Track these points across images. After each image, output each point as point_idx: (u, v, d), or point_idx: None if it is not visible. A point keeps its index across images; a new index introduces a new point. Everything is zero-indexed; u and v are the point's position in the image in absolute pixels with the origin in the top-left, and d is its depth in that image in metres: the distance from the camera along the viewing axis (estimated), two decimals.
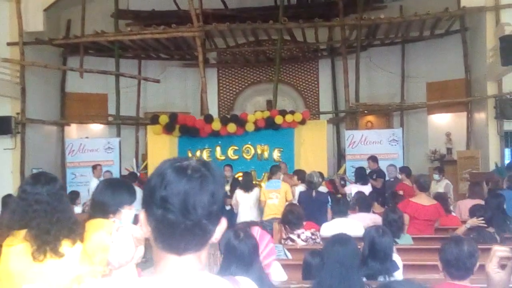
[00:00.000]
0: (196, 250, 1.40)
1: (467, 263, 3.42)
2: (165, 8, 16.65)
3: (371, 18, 15.11)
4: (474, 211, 6.27)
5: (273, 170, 10.72)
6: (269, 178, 10.79)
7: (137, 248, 2.50)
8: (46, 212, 2.95)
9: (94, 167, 12.72)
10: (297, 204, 7.98)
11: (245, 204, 10.13)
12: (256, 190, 10.47)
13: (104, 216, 3.23)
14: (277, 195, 9.83)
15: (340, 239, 3.68)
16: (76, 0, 15.50)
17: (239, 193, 10.20)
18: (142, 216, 1.42)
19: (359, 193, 8.51)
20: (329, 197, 8.93)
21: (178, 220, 1.35)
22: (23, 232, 2.92)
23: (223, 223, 1.44)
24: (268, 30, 15.96)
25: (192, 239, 1.38)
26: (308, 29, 16.09)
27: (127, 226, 2.58)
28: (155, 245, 1.40)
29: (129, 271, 2.48)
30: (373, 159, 11.97)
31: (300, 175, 10.29)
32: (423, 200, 7.31)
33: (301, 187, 9.82)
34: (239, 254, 3.36)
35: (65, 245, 2.91)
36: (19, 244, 2.91)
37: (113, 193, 3.33)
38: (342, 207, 7.14)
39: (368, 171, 11.61)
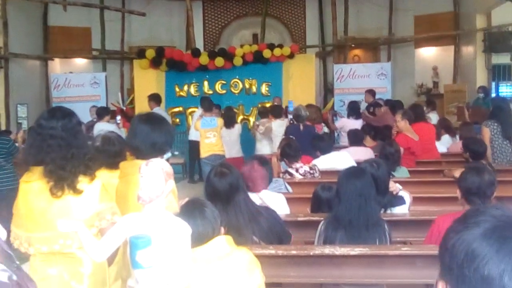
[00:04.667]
0: None
1: (487, 192, 3.54)
2: None
3: None
4: (468, 145, 6.31)
5: (206, 105, 10.14)
6: (202, 115, 10.15)
7: (167, 182, 2.49)
8: (60, 147, 2.88)
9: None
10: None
11: (228, 140, 10.04)
12: (237, 126, 10.42)
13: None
14: (214, 133, 9.70)
15: (355, 172, 3.74)
16: None
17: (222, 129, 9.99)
18: None
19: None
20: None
21: None
22: (40, 168, 2.89)
23: None
24: None
25: None
26: None
27: (156, 160, 2.55)
28: None
29: (160, 205, 2.48)
30: (370, 92, 11.85)
31: (275, 111, 10.07)
32: (412, 133, 7.40)
33: (278, 122, 9.76)
34: (216, 190, 3.43)
35: (83, 182, 2.89)
36: (36, 181, 2.89)
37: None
38: (327, 143, 7.16)
39: (362, 104, 11.57)
